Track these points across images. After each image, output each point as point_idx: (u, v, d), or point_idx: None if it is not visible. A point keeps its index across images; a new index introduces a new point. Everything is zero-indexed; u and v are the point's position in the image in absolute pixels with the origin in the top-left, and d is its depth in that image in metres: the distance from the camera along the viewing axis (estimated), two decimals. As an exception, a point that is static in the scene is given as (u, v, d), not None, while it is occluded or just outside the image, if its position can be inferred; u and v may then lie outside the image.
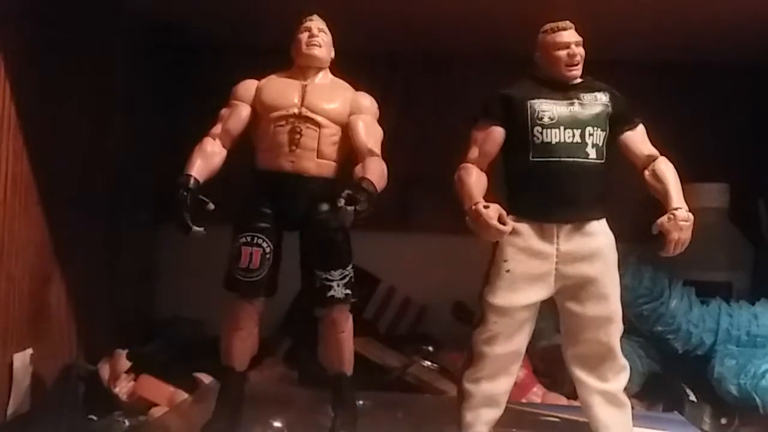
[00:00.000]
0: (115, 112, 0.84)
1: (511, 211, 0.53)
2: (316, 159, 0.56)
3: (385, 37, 0.89)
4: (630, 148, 0.56)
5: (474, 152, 0.55)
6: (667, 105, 0.90)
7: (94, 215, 0.80)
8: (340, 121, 0.56)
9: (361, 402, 0.61)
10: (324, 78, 0.58)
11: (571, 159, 0.54)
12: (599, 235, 0.55)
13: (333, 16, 0.58)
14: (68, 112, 0.74)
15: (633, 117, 0.57)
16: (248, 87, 0.58)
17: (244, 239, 0.55)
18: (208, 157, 0.56)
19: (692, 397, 0.74)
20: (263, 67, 0.59)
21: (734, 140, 0.97)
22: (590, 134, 0.54)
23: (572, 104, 0.55)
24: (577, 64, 0.55)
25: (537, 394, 0.75)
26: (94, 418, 0.69)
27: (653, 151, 0.57)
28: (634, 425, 0.57)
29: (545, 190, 0.54)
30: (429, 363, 0.77)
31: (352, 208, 0.50)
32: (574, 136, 0.54)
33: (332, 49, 0.59)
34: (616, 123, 0.56)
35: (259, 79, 0.58)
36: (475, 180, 0.54)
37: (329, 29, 0.59)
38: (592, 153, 0.54)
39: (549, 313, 0.57)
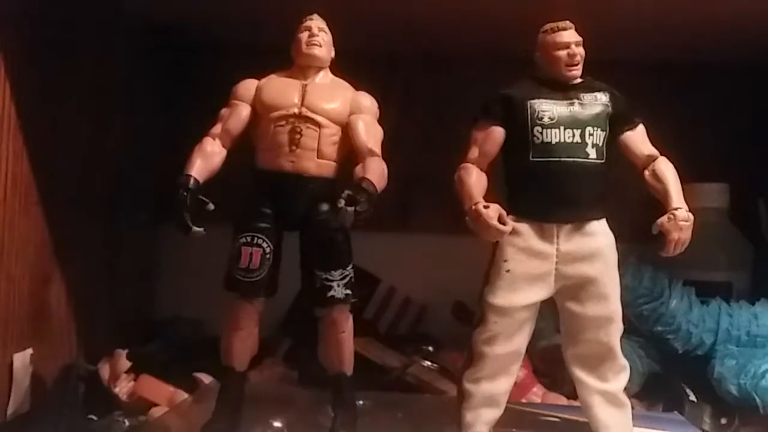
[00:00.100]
0: (115, 112, 0.84)
1: (511, 211, 0.53)
2: (317, 159, 0.56)
3: (385, 37, 0.89)
4: (630, 148, 0.56)
5: (474, 152, 0.55)
6: (667, 105, 0.90)
7: (94, 215, 0.80)
8: (340, 121, 0.56)
9: (361, 402, 0.61)
10: (324, 78, 0.58)
11: (571, 159, 0.54)
12: (599, 235, 0.55)
13: (333, 16, 0.58)
14: (68, 112, 0.74)
15: (633, 117, 0.57)
16: (248, 87, 0.58)
17: (244, 239, 0.55)
18: (208, 157, 0.56)
19: (692, 397, 0.74)
20: (263, 67, 0.59)
21: (734, 140, 0.97)
22: (590, 134, 0.54)
23: (572, 104, 0.55)
24: (577, 64, 0.55)
25: (537, 394, 0.75)
26: (94, 418, 0.69)
27: (653, 151, 0.57)
28: (634, 425, 0.57)
29: (545, 190, 0.54)
30: (429, 363, 0.77)
31: (353, 208, 0.50)
32: (574, 136, 0.54)
33: (332, 48, 0.59)
34: (616, 123, 0.56)
35: (259, 79, 0.58)
36: (475, 180, 0.54)
37: (329, 29, 0.59)
38: (592, 153, 0.54)
39: (549, 313, 0.57)
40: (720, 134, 0.97)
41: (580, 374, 0.57)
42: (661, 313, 0.77)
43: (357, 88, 0.58)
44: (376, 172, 0.54)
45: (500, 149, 0.55)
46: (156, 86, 0.95)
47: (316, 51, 0.57)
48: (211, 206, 0.54)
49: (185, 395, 0.70)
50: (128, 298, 0.90)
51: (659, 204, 0.55)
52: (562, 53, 0.55)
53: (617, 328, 0.56)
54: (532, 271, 0.54)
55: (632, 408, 0.58)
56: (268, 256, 0.55)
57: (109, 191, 0.83)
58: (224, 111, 0.58)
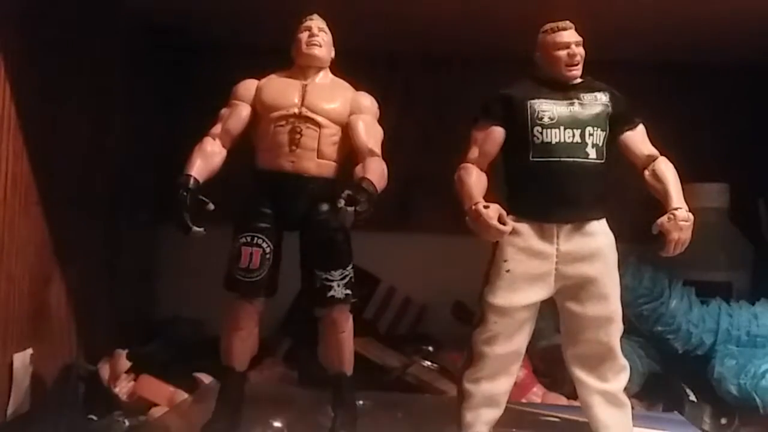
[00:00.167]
0: (115, 112, 0.84)
1: (511, 211, 0.53)
2: (317, 159, 0.56)
3: (385, 37, 0.89)
4: (630, 148, 0.56)
5: (474, 152, 0.55)
6: (667, 105, 0.90)
7: (94, 215, 0.80)
8: (340, 121, 0.56)
9: (361, 402, 0.61)
10: (324, 78, 0.58)
11: (571, 159, 0.54)
12: (599, 235, 0.55)
13: (333, 16, 0.58)
14: (68, 112, 0.74)
15: (633, 117, 0.57)
16: (248, 87, 0.58)
17: (244, 239, 0.55)
18: (208, 157, 0.56)
19: (692, 397, 0.74)
20: (263, 67, 0.59)
21: (734, 140, 0.97)
22: (590, 134, 0.54)
23: (572, 104, 0.55)
24: (577, 64, 0.55)
25: (537, 394, 0.75)
26: (94, 418, 0.69)
27: (653, 151, 0.57)
28: (634, 425, 0.57)
29: (545, 190, 0.54)
30: (429, 363, 0.77)
31: (353, 208, 0.50)
32: (574, 136, 0.54)
33: (332, 48, 0.59)
34: (616, 123, 0.56)
35: (259, 79, 0.58)
36: (475, 180, 0.54)
37: (329, 29, 0.59)
38: (592, 153, 0.54)
39: (549, 313, 0.57)
40: (720, 134, 0.97)
41: (580, 374, 0.57)
42: (661, 313, 0.77)
43: (357, 88, 0.58)
44: (376, 172, 0.54)
45: (500, 149, 0.55)
46: (156, 86, 0.95)
47: (316, 51, 0.57)
48: (211, 206, 0.54)
49: (185, 395, 0.70)
50: (128, 298, 0.90)
51: (659, 204, 0.55)
52: (562, 53, 0.55)
53: (617, 328, 0.56)
54: (532, 271, 0.54)
55: (632, 408, 0.58)
56: (268, 256, 0.55)
57: (109, 191, 0.83)
58: (224, 111, 0.58)
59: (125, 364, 0.75)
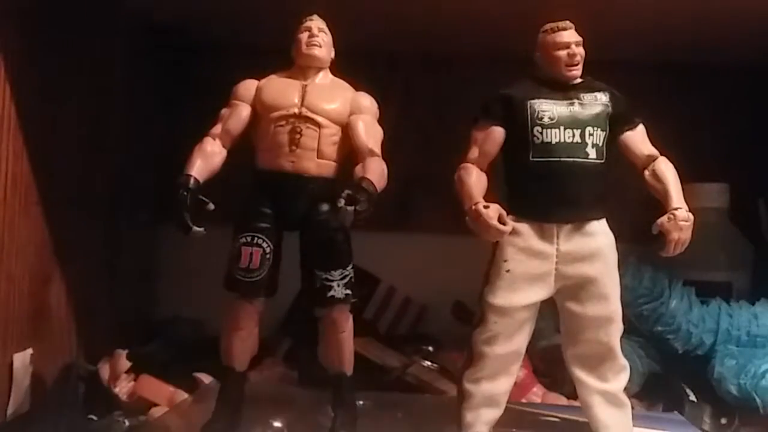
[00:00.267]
0: (115, 112, 0.84)
1: (511, 211, 0.53)
2: (317, 159, 0.56)
3: (385, 37, 0.89)
4: (630, 148, 0.56)
5: (474, 152, 0.55)
6: (667, 105, 0.90)
7: (94, 215, 0.80)
8: (340, 121, 0.56)
9: (361, 402, 0.61)
10: (324, 78, 0.58)
11: (571, 159, 0.54)
12: (599, 235, 0.55)
13: (333, 16, 0.58)
14: (68, 112, 0.74)
15: (633, 117, 0.57)
16: (248, 87, 0.58)
17: (244, 239, 0.55)
18: (208, 157, 0.56)
19: (692, 397, 0.74)
20: (263, 67, 0.59)
21: (734, 140, 0.97)
22: (590, 134, 0.54)
23: (572, 104, 0.55)
24: (577, 64, 0.55)
25: (537, 394, 0.75)
26: (94, 418, 0.69)
27: (653, 151, 0.57)
28: (634, 425, 0.57)
29: (545, 190, 0.54)
30: (429, 363, 0.77)
31: (352, 208, 0.50)
32: (574, 136, 0.54)
33: (332, 49, 0.59)
34: (616, 123, 0.56)
35: (259, 79, 0.58)
36: (475, 180, 0.54)
37: (329, 29, 0.59)
38: (592, 153, 0.54)
39: (549, 313, 0.57)
40: (720, 134, 0.97)
41: (580, 374, 0.57)
42: (661, 313, 0.77)
43: (357, 88, 0.58)
44: (376, 172, 0.54)
45: (500, 149, 0.55)
46: (156, 86, 0.95)
47: (316, 51, 0.57)
48: (211, 206, 0.54)
49: (185, 395, 0.70)
50: (128, 298, 0.90)
51: (659, 204, 0.55)
52: (562, 53, 0.55)
53: (617, 328, 0.56)
54: (532, 271, 0.54)
55: (632, 408, 0.58)
56: (268, 256, 0.55)
57: (109, 191, 0.83)
58: (224, 111, 0.58)
59: (125, 364, 0.75)
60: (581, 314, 0.55)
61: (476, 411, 0.55)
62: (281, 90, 0.57)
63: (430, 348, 0.82)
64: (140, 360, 0.76)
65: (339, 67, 0.59)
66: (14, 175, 0.65)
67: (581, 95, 0.55)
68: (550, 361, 0.76)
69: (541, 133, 0.54)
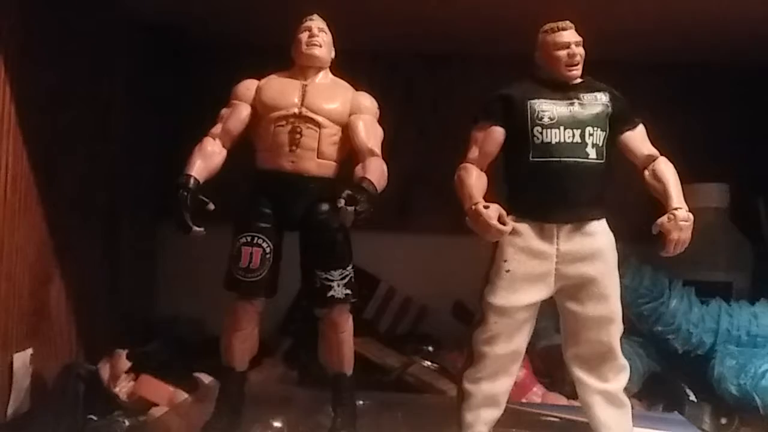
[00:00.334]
0: (115, 112, 0.84)
1: (511, 211, 0.53)
2: (317, 159, 0.56)
3: (385, 37, 0.89)
4: (630, 148, 0.56)
5: (474, 152, 0.55)
6: (667, 105, 0.90)
7: (94, 215, 0.80)
8: (340, 121, 0.56)
9: (361, 402, 0.61)
10: (324, 78, 0.58)
11: (571, 159, 0.54)
12: (599, 235, 0.55)
13: (333, 16, 0.58)
14: (68, 112, 0.74)
15: (633, 117, 0.57)
16: (248, 86, 0.58)
17: (244, 239, 0.55)
18: (208, 157, 0.56)
19: (692, 397, 0.74)
20: (263, 67, 0.59)
21: (734, 140, 0.97)
22: (590, 134, 0.54)
23: (572, 104, 0.55)
24: (577, 64, 0.55)
25: (537, 394, 0.75)
26: (94, 418, 0.69)
27: (653, 151, 0.57)
28: (634, 425, 0.57)
29: (545, 190, 0.54)
30: (429, 363, 0.77)
31: (353, 208, 0.50)
32: (574, 136, 0.54)
33: (332, 48, 0.59)
34: (616, 123, 0.56)
35: (259, 79, 0.58)
36: (475, 180, 0.54)
37: (329, 29, 0.59)
38: (592, 153, 0.54)
39: (549, 313, 0.57)
40: (720, 134, 0.97)
41: (580, 374, 0.57)
42: (661, 313, 0.77)
43: (357, 88, 0.58)
44: (376, 172, 0.54)
45: (500, 149, 0.55)
46: (156, 86, 0.95)
47: (316, 51, 0.57)
48: (211, 206, 0.54)
49: (185, 395, 0.70)
50: (128, 298, 0.90)
51: (659, 204, 0.55)
52: (562, 53, 0.55)
53: (617, 328, 0.56)
54: (532, 271, 0.54)
55: (632, 408, 0.58)
56: (268, 255, 0.55)
57: (109, 191, 0.83)
58: (224, 111, 0.58)
59: (125, 364, 0.75)
60: (581, 314, 0.55)
61: (476, 411, 0.55)
62: (281, 90, 0.57)
63: (430, 348, 0.82)
64: (140, 360, 0.76)
65: (339, 67, 0.59)
66: (14, 175, 0.65)
67: (581, 95, 0.55)
68: (550, 361, 0.76)
69: (541, 133, 0.54)
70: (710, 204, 0.86)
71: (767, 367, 0.71)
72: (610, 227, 0.56)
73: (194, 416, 0.60)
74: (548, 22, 0.56)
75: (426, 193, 0.96)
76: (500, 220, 0.52)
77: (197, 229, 0.54)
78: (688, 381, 0.76)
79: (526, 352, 0.57)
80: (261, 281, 0.55)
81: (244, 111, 0.57)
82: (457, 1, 0.76)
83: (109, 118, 0.83)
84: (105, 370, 0.75)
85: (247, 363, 0.58)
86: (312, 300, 0.57)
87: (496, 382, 0.56)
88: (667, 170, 0.55)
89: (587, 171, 0.54)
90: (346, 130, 0.56)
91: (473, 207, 0.52)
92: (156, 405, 0.70)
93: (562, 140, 0.54)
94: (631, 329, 0.64)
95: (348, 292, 0.56)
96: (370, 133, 0.56)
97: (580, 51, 0.55)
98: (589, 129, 0.54)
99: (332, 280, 0.55)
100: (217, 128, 0.57)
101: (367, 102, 0.58)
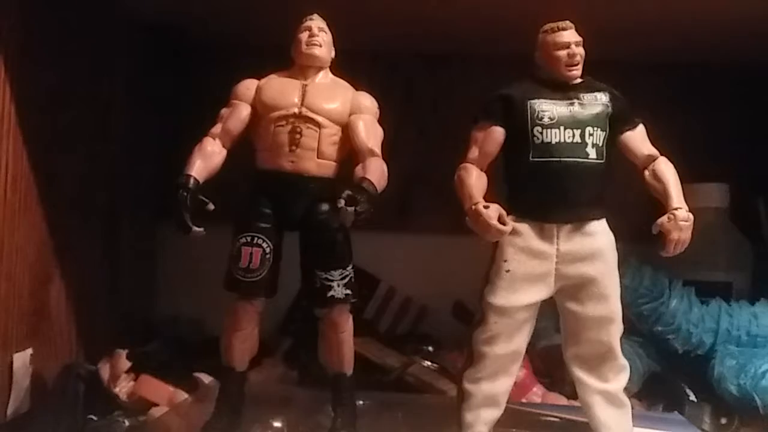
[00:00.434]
0: (115, 112, 0.84)
1: (511, 211, 0.53)
2: (317, 159, 0.56)
3: (385, 37, 0.89)
4: (630, 148, 0.56)
5: (474, 152, 0.55)
6: (667, 105, 0.90)
7: (94, 215, 0.80)
8: (340, 121, 0.56)
9: (361, 402, 0.61)
10: (324, 78, 0.58)
11: (571, 159, 0.54)
12: (599, 235, 0.55)
13: (333, 16, 0.58)
14: (68, 111, 0.74)
15: (633, 117, 0.57)
16: (248, 86, 0.58)
17: (244, 239, 0.55)
18: (208, 157, 0.56)
19: (692, 397, 0.74)
20: (263, 67, 0.59)
21: (734, 140, 0.97)
22: (590, 134, 0.54)
23: (572, 104, 0.55)
24: (577, 64, 0.55)
25: (537, 394, 0.75)
26: (94, 418, 0.69)
27: (653, 151, 0.57)
28: (634, 425, 0.57)
29: (545, 190, 0.54)
30: (429, 363, 0.77)
31: (353, 208, 0.50)
32: (574, 136, 0.54)
33: (332, 48, 0.59)
34: (616, 123, 0.56)
35: (259, 79, 0.58)
36: (475, 180, 0.54)
37: (329, 29, 0.59)
38: (592, 153, 0.54)
39: (549, 313, 0.57)
40: (720, 134, 0.97)
41: (580, 374, 0.57)
42: (661, 313, 0.77)
43: (357, 88, 0.58)
44: (376, 172, 0.54)
45: (500, 149, 0.55)
46: (156, 86, 0.95)
47: (316, 51, 0.57)
48: (211, 206, 0.54)
49: (185, 395, 0.70)
50: (128, 298, 0.90)
51: (659, 204, 0.55)
52: (562, 53, 0.55)
53: (617, 328, 0.56)
54: (532, 271, 0.54)
55: (632, 408, 0.58)
56: (268, 256, 0.55)
57: (109, 191, 0.83)
58: (224, 111, 0.58)
59: (125, 364, 0.75)
60: (581, 314, 0.55)
61: (476, 411, 0.55)
62: (281, 90, 0.57)
63: (430, 348, 0.82)
64: (140, 360, 0.76)
65: (339, 67, 0.59)
66: (14, 175, 0.65)
67: (581, 95, 0.55)
68: (550, 361, 0.76)
69: (541, 133, 0.54)
70: (710, 204, 0.86)
71: (767, 367, 0.71)
72: (610, 227, 0.56)
73: (194, 416, 0.60)
74: (548, 22, 0.56)
75: (426, 193, 0.96)
76: (500, 220, 0.52)
77: (197, 229, 0.54)
78: (688, 381, 0.76)
79: (526, 352, 0.57)
80: (261, 281, 0.55)
81: (244, 111, 0.57)
82: (457, 1, 0.76)
83: (109, 118, 0.83)
84: (105, 370, 0.75)
85: (247, 363, 0.58)
86: (312, 300, 0.57)
87: (496, 382, 0.56)
88: (667, 170, 0.55)
89: (587, 171, 0.54)
90: (346, 130, 0.56)
91: (473, 207, 0.52)
92: (156, 405, 0.70)
93: (562, 140, 0.54)
94: (631, 329, 0.64)
95: (348, 292, 0.56)
96: (370, 133, 0.56)
97: (580, 51, 0.55)
98: (589, 129, 0.54)
99: (332, 280, 0.55)
100: (217, 128, 0.57)
101: (367, 102, 0.58)
